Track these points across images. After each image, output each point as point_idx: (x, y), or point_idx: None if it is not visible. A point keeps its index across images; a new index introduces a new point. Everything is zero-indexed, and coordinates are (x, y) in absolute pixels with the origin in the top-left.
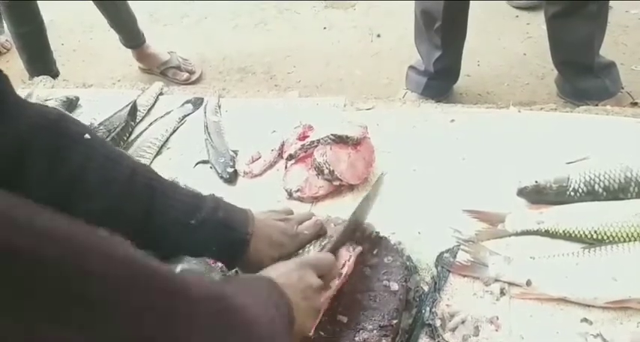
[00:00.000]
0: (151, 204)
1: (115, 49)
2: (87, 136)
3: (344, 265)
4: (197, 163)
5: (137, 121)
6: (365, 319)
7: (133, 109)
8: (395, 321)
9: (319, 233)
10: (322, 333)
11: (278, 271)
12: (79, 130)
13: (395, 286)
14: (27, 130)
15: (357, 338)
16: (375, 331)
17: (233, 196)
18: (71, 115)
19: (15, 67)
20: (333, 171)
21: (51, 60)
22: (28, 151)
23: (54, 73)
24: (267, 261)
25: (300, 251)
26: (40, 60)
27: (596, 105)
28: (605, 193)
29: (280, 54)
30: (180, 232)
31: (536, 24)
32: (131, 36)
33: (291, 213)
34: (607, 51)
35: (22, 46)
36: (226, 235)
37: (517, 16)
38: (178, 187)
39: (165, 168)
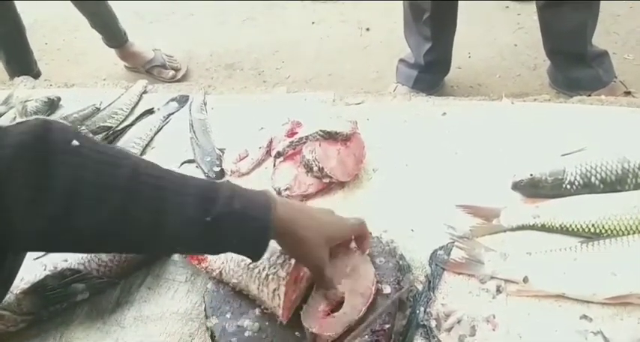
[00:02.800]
0: (160, 206)
1: (101, 47)
2: (75, 142)
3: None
4: (182, 163)
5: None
6: (356, 324)
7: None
8: (387, 326)
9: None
10: None
11: None
12: (65, 137)
13: (387, 289)
14: (9, 158)
15: None
16: (366, 337)
17: None
18: (53, 115)
19: None
20: (322, 168)
21: (31, 60)
22: (6, 184)
23: (34, 74)
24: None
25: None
26: (19, 60)
27: (589, 95)
28: (602, 186)
29: (268, 49)
30: (196, 231)
31: (527, 14)
32: (112, 35)
33: None
34: (599, 40)
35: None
36: (246, 227)
37: (507, 7)
38: (189, 180)
39: None
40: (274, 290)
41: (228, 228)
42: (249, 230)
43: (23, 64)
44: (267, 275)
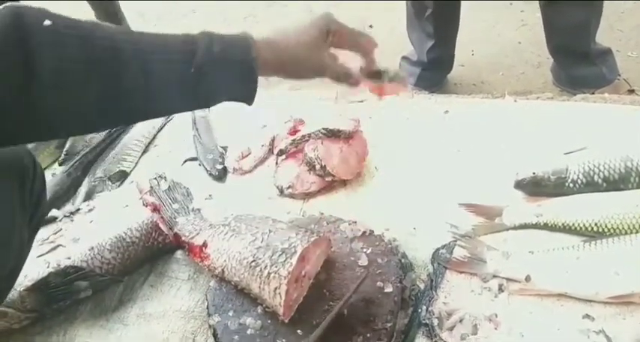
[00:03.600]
0: (147, 71)
1: None
2: (47, 22)
3: None
4: (185, 161)
5: None
6: (358, 322)
7: None
8: (389, 324)
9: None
10: None
11: None
12: (37, 20)
13: (389, 288)
14: None
15: None
16: (368, 335)
17: (222, 193)
18: None
19: None
20: (324, 166)
21: None
22: None
23: None
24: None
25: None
26: None
27: (593, 93)
28: (605, 184)
29: None
30: (185, 86)
31: (531, 11)
32: None
33: None
34: (602, 37)
35: None
36: (231, 67)
37: (511, 4)
38: (167, 39)
39: (153, 166)
40: (275, 289)
41: (215, 74)
42: (237, 68)
43: None
44: (269, 274)
